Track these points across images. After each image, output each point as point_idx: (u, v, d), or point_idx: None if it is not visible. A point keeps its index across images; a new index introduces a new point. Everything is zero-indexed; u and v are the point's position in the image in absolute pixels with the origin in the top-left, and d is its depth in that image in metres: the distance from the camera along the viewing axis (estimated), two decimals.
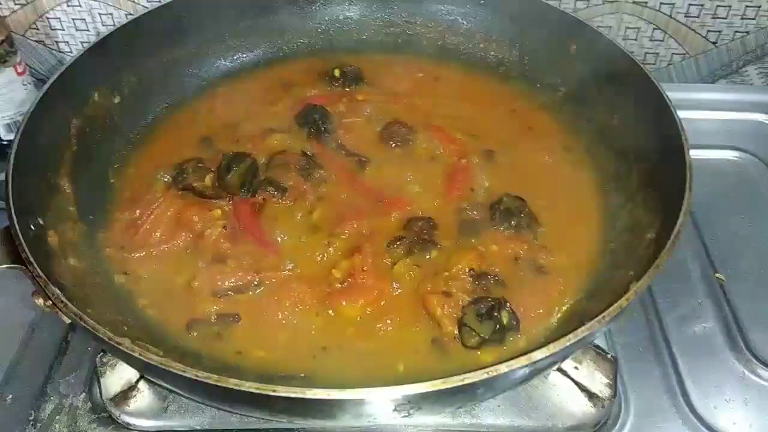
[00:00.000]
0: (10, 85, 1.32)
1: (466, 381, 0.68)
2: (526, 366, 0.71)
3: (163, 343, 0.90)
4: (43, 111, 1.01)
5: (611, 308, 0.75)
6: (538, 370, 0.78)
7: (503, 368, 0.69)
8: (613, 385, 0.95)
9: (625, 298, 0.76)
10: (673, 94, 1.46)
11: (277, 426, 0.94)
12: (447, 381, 0.68)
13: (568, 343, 0.71)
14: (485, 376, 0.68)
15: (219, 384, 0.69)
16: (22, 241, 0.82)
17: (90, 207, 1.05)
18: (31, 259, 0.80)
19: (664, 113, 1.01)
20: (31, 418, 0.98)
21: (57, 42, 1.59)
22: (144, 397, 0.98)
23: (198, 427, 0.95)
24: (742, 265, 1.18)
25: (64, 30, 1.56)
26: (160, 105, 1.24)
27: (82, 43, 1.58)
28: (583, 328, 0.73)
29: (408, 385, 0.67)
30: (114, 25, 1.51)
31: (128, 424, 0.96)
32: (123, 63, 1.19)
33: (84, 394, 1.00)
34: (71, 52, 1.60)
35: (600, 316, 0.74)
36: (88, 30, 1.57)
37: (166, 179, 1.09)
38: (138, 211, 1.04)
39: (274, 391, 0.67)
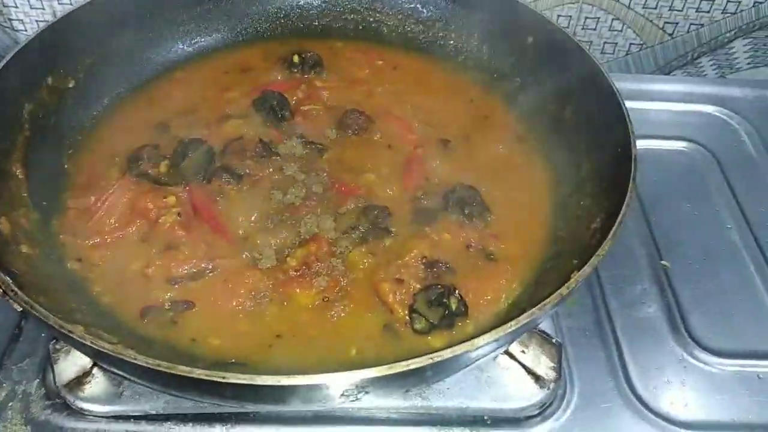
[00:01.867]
0: None
1: (411, 366, 0.70)
2: (469, 351, 0.73)
3: (117, 330, 0.90)
4: None
5: (551, 296, 0.78)
6: (482, 355, 0.81)
7: (447, 353, 0.72)
8: (558, 369, 0.99)
9: (566, 286, 0.79)
10: (628, 84, 1.54)
11: (230, 410, 0.96)
12: (393, 366, 0.70)
13: (509, 330, 0.74)
14: (429, 361, 0.71)
15: (170, 371, 0.70)
16: None
17: (43, 193, 1.04)
18: None
19: (613, 106, 1.04)
20: None
21: (10, 20, 1.55)
22: (98, 382, 0.98)
23: (153, 412, 0.96)
24: (687, 252, 1.23)
25: (17, 7, 1.52)
26: (115, 90, 1.23)
27: (37, 21, 1.55)
28: (524, 315, 0.76)
29: (352, 371, 0.69)
30: (71, 3, 1.48)
31: (83, 409, 0.97)
32: (78, 46, 1.17)
33: (38, 380, 1.00)
34: (26, 30, 1.56)
35: (541, 304, 0.77)
36: (43, 8, 1.54)
37: (120, 165, 1.08)
38: (92, 198, 1.04)
39: (223, 377, 0.68)
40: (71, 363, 0.97)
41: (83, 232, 1.01)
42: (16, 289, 0.77)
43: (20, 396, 0.99)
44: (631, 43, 1.65)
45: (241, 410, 0.95)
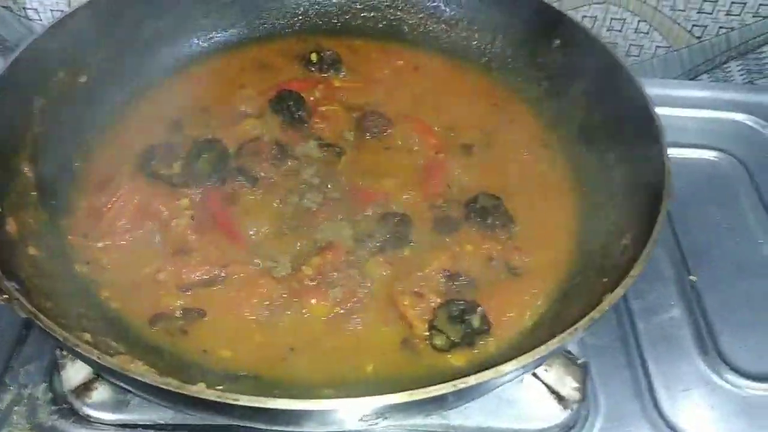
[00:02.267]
0: None
1: (432, 394, 0.67)
2: (496, 378, 0.70)
3: (125, 337, 0.88)
4: (4, 90, 0.96)
5: (584, 320, 0.74)
6: (508, 380, 0.77)
7: (472, 380, 0.68)
8: (582, 389, 0.95)
9: (598, 310, 0.75)
10: (654, 90, 1.48)
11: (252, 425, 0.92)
12: (414, 393, 0.67)
13: (538, 356, 0.70)
14: (453, 388, 0.67)
15: (179, 391, 0.66)
16: None
17: (52, 192, 1.01)
18: None
19: (644, 115, 0.99)
20: None
21: (25, 8, 1.52)
22: (106, 389, 0.95)
23: (161, 422, 0.93)
24: (716, 267, 1.18)
25: None
26: (129, 86, 1.19)
27: (51, 10, 1.52)
28: (554, 340, 0.72)
29: (371, 397, 0.66)
30: None
31: (89, 416, 0.94)
32: (91, 41, 1.13)
33: (45, 384, 0.97)
34: (40, 19, 1.53)
35: (572, 328, 0.73)
36: None
37: (132, 165, 1.05)
38: (103, 198, 1.01)
39: (235, 400, 0.65)
40: (79, 368, 0.94)
41: (93, 233, 0.98)
42: (21, 297, 0.74)
43: (26, 400, 0.96)
44: (657, 46, 1.60)
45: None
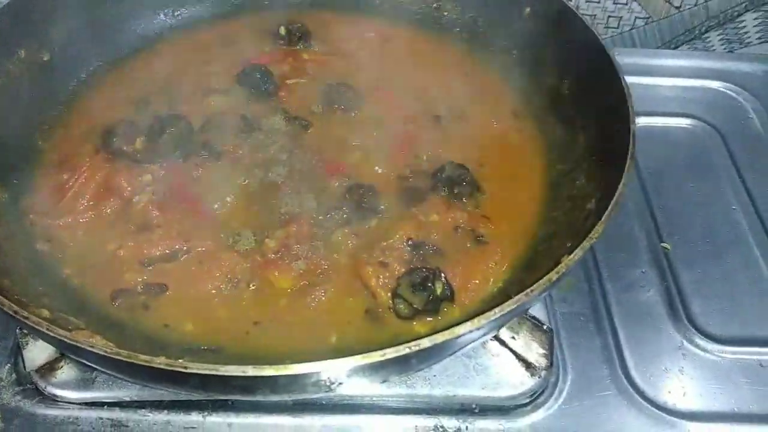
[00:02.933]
0: None
1: (388, 356, 0.66)
2: (451, 339, 0.69)
3: (87, 314, 0.87)
4: None
5: (539, 282, 0.73)
6: (467, 342, 0.77)
7: (426, 342, 0.67)
8: (550, 356, 0.95)
9: (555, 271, 0.74)
10: (632, 59, 1.47)
11: (208, 397, 0.92)
12: (368, 356, 0.66)
13: (493, 317, 0.70)
14: (407, 350, 0.67)
15: (130, 360, 0.66)
16: None
17: (14, 171, 1.00)
18: None
19: (612, 80, 0.98)
20: None
21: None
22: (70, 368, 0.94)
23: (126, 399, 0.93)
24: (689, 234, 1.17)
25: None
26: (94, 63, 1.18)
27: None
28: (509, 302, 0.71)
29: (321, 362, 0.65)
30: None
31: (55, 395, 0.93)
32: (53, 17, 1.12)
33: (9, 365, 0.97)
34: None
35: (527, 290, 0.72)
36: None
37: (95, 142, 1.03)
38: (65, 176, 0.99)
39: (185, 368, 0.64)
40: (42, 348, 0.94)
41: (54, 211, 0.97)
42: None
43: None
44: (636, 17, 1.58)
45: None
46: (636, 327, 1.05)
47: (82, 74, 1.17)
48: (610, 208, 0.80)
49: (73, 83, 1.15)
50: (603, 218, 0.79)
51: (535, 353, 0.95)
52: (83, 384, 0.94)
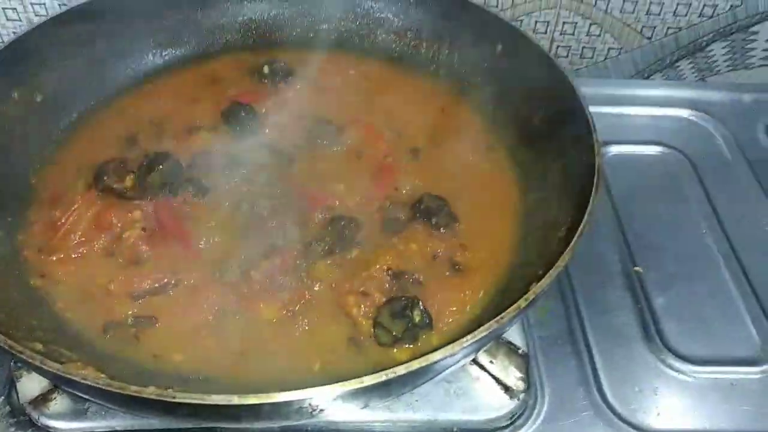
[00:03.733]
0: None
1: (366, 383, 0.70)
2: (427, 365, 0.73)
3: (79, 347, 0.90)
4: None
5: (510, 308, 0.77)
6: (444, 368, 0.80)
7: (401, 370, 0.71)
8: (527, 379, 0.98)
9: (524, 298, 0.78)
10: (605, 89, 1.54)
11: (197, 425, 0.95)
12: (345, 384, 0.70)
13: (466, 344, 0.74)
14: (384, 377, 0.70)
15: (121, 392, 0.69)
16: None
17: (7, 209, 1.04)
18: None
19: (578, 113, 1.03)
20: None
21: None
22: (64, 399, 0.97)
23: (119, 428, 0.95)
24: (661, 258, 1.22)
25: None
26: (84, 103, 1.22)
27: (14, 32, 1.54)
28: (481, 328, 0.75)
29: (301, 390, 0.69)
30: (47, 14, 1.48)
31: (48, 427, 0.96)
32: (45, 60, 1.16)
33: (2, 397, 0.99)
34: (2, 41, 1.55)
35: (498, 317, 0.76)
36: (20, 20, 1.53)
37: (86, 180, 1.07)
38: (57, 213, 1.03)
39: (173, 397, 0.68)
40: (35, 380, 0.96)
41: (48, 247, 1.00)
42: None
43: None
44: (609, 48, 1.65)
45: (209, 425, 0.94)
46: (611, 349, 1.09)
47: (73, 114, 1.21)
48: (575, 238, 0.85)
49: (65, 122, 1.19)
50: (569, 247, 0.84)
51: (512, 377, 0.98)
52: (76, 414, 0.96)
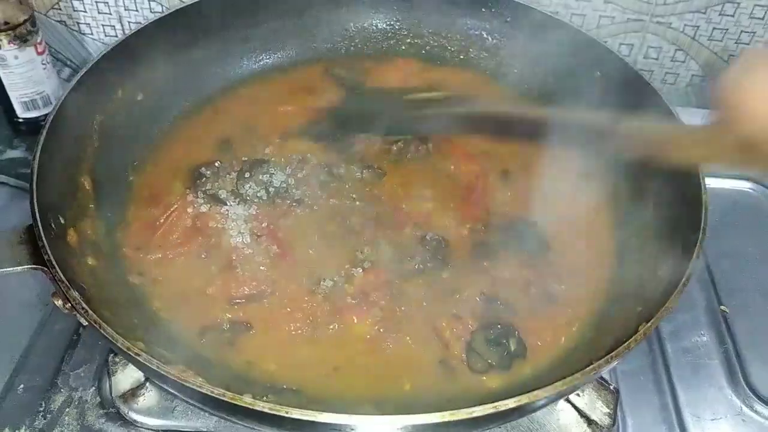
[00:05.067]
0: (30, 64, 1.33)
1: (475, 414, 0.70)
2: (531, 402, 0.72)
3: (175, 348, 0.91)
4: (69, 107, 1.02)
5: (620, 348, 0.76)
6: (543, 405, 0.80)
7: (511, 403, 0.71)
8: (614, 415, 0.97)
9: (634, 339, 0.77)
10: (692, 119, 1.50)
11: None
12: (455, 413, 0.70)
13: (576, 382, 0.73)
14: (493, 410, 0.70)
15: (233, 401, 0.70)
16: (45, 243, 0.83)
17: (108, 205, 1.06)
18: (54, 263, 0.81)
19: None
20: (41, 409, 0.99)
21: (78, 23, 1.59)
22: (152, 396, 0.99)
23: (204, 429, 0.97)
24: (748, 298, 1.19)
25: (86, 12, 1.56)
26: (181, 104, 1.24)
27: (103, 26, 1.58)
28: (591, 367, 0.74)
29: (418, 415, 0.69)
30: (136, 9, 1.52)
31: (135, 421, 0.98)
32: (148, 61, 1.19)
33: (93, 388, 1.02)
34: (92, 34, 1.60)
35: (608, 356, 0.75)
36: (110, 13, 1.57)
37: (184, 181, 1.10)
38: (155, 212, 1.05)
39: (287, 412, 0.69)
40: (128, 375, 0.99)
41: (146, 246, 1.02)
42: (86, 306, 0.79)
43: (76, 403, 1.01)
44: (693, 75, 1.61)
45: None
46: (695, 389, 1.07)
47: (171, 114, 1.23)
48: (683, 279, 0.83)
49: (162, 122, 1.21)
50: (678, 289, 0.82)
51: (599, 411, 0.97)
52: (163, 412, 0.98)
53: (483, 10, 1.33)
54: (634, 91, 1.14)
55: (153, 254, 1.02)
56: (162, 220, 1.04)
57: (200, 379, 0.76)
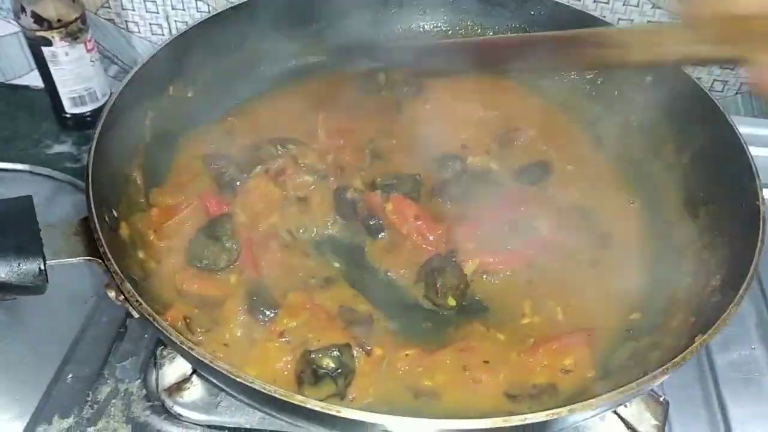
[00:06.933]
0: (79, 61, 1.36)
1: (528, 421, 0.69)
2: (584, 411, 0.71)
3: None
4: (124, 103, 1.03)
5: (676, 359, 0.75)
6: (594, 414, 0.79)
7: (564, 412, 0.69)
8: (662, 427, 0.95)
9: (690, 350, 0.76)
10: (742, 128, 1.46)
11: None
12: (508, 420, 0.69)
13: (629, 392, 0.72)
14: (547, 418, 0.69)
15: (285, 398, 0.70)
16: (101, 235, 0.84)
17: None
18: (109, 255, 0.82)
19: (737, 155, 0.99)
20: (89, 399, 1.01)
21: (126, 22, 1.62)
22: (197, 390, 1.00)
23: (247, 426, 0.98)
24: None
25: (134, 10, 1.59)
26: (228, 103, 1.25)
27: (150, 24, 1.61)
28: (644, 378, 0.73)
29: (458, 420, 0.68)
30: (183, 8, 1.54)
31: (180, 415, 0.99)
32: (199, 58, 1.20)
33: (139, 381, 1.03)
34: (139, 32, 1.63)
35: (663, 367, 0.74)
36: (157, 12, 1.60)
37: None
38: (175, 201, 1.06)
39: (338, 411, 0.69)
40: (174, 368, 1.00)
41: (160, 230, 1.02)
42: (140, 299, 0.80)
43: (122, 394, 1.02)
44: (742, 82, 1.58)
45: None
46: (745, 404, 1.05)
47: (215, 113, 1.24)
48: (741, 292, 0.81)
49: (207, 120, 1.22)
50: (734, 302, 0.80)
51: (647, 423, 0.95)
52: (207, 407, 0.99)
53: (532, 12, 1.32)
54: (683, 95, 1.11)
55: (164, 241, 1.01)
56: (180, 209, 1.04)
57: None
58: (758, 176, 0.96)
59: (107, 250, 0.83)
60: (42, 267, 0.82)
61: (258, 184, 1.07)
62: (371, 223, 1.05)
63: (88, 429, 0.98)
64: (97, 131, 0.97)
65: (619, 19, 1.47)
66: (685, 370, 1.05)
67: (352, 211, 1.06)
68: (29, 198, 0.86)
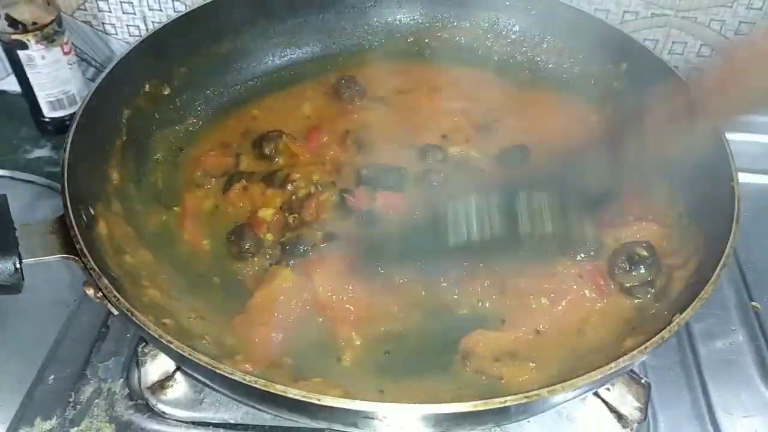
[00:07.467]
0: (56, 64, 1.35)
1: (508, 403, 0.69)
2: (563, 392, 0.72)
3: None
4: (99, 101, 1.02)
5: (653, 339, 0.75)
6: (573, 396, 0.79)
7: (545, 393, 0.70)
8: (644, 409, 0.96)
9: (668, 330, 0.76)
10: None
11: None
12: (488, 402, 0.69)
13: (607, 373, 0.72)
14: (524, 400, 0.69)
15: (266, 389, 0.70)
16: (77, 232, 0.83)
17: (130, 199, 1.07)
18: (86, 252, 0.82)
19: (714, 140, 1.00)
20: (71, 399, 1.00)
21: (103, 24, 1.60)
22: (180, 387, 1.00)
23: (231, 421, 0.98)
24: None
25: (111, 12, 1.58)
26: (206, 98, 1.25)
27: (128, 26, 1.60)
28: (624, 357, 0.73)
29: (439, 404, 0.68)
30: (160, 9, 1.53)
31: (164, 412, 0.98)
32: (175, 55, 1.20)
33: (122, 380, 1.02)
34: (116, 34, 1.62)
35: (642, 347, 0.74)
36: (134, 13, 1.59)
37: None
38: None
39: (318, 400, 0.68)
40: (156, 366, 1.00)
41: None
42: (118, 295, 0.79)
43: (105, 394, 1.01)
44: None
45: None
46: (726, 385, 1.05)
47: (196, 109, 1.24)
48: (718, 270, 0.82)
49: (189, 119, 1.22)
50: (712, 279, 0.81)
51: (629, 406, 0.96)
52: (191, 404, 0.99)
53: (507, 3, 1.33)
54: (660, 81, 1.12)
55: None
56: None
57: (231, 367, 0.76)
58: (732, 159, 0.96)
59: (83, 247, 0.82)
60: (18, 265, 0.81)
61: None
62: None
63: (71, 430, 0.97)
64: (73, 128, 0.96)
65: (596, 9, 1.48)
66: (667, 353, 1.07)
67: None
68: (3, 197, 0.85)
